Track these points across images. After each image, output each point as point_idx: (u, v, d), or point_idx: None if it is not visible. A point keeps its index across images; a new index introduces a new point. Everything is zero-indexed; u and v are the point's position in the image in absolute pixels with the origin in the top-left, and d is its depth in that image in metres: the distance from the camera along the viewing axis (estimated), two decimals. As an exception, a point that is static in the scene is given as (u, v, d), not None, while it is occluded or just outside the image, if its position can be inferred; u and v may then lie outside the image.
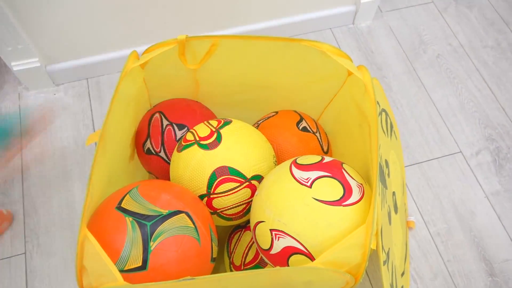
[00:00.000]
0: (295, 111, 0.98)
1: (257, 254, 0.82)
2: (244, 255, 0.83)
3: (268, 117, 0.97)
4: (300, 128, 0.92)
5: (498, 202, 1.11)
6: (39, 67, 1.15)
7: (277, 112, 0.98)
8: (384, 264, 0.65)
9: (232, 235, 0.89)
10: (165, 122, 0.88)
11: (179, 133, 0.88)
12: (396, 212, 0.82)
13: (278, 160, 0.88)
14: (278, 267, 0.68)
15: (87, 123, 1.18)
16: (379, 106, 0.76)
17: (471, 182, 1.15)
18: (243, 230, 0.87)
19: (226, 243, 0.90)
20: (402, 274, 0.81)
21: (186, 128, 0.88)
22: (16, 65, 1.13)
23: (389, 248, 0.69)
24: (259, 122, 0.98)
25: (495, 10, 1.46)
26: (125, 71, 0.80)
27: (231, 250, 0.86)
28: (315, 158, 0.74)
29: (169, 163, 0.89)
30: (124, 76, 0.79)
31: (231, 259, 0.86)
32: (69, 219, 1.05)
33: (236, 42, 0.83)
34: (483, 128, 1.23)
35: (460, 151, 1.19)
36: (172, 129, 0.88)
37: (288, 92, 0.98)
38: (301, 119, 0.95)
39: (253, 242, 0.83)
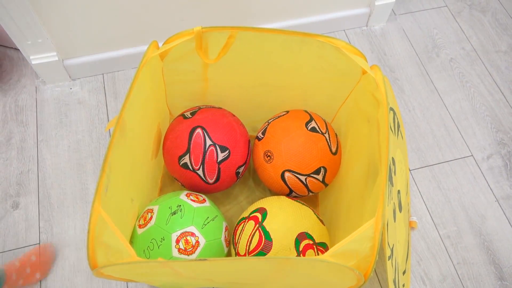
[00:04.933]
0: (306, 111, 0.99)
1: (260, 241, 0.84)
2: (248, 243, 0.85)
3: (279, 116, 0.99)
4: (309, 128, 0.93)
5: (509, 206, 1.11)
6: (57, 62, 1.17)
7: (288, 112, 0.99)
8: (389, 259, 0.65)
9: (236, 227, 0.91)
10: (208, 142, 0.90)
11: (221, 155, 0.90)
12: (400, 210, 0.83)
13: (286, 159, 0.91)
14: (289, 256, 0.69)
15: (102, 117, 1.20)
16: (389, 103, 0.77)
17: (481, 185, 1.15)
18: (247, 220, 0.89)
19: (232, 237, 0.92)
20: (404, 272, 0.81)
21: (228, 151, 0.91)
22: (35, 59, 1.15)
23: (393, 245, 0.69)
24: (269, 121, 0.99)
25: (509, 15, 1.46)
26: (145, 59, 0.80)
27: (236, 241, 0.88)
28: None
29: (205, 182, 0.92)
30: (144, 64, 0.79)
31: (236, 250, 0.88)
32: (83, 211, 1.07)
33: (253, 36, 0.83)
34: (495, 132, 1.23)
35: (472, 155, 1.19)
36: (215, 150, 0.90)
37: (302, 92, 0.99)
38: (311, 119, 0.96)
39: (256, 230, 0.84)
